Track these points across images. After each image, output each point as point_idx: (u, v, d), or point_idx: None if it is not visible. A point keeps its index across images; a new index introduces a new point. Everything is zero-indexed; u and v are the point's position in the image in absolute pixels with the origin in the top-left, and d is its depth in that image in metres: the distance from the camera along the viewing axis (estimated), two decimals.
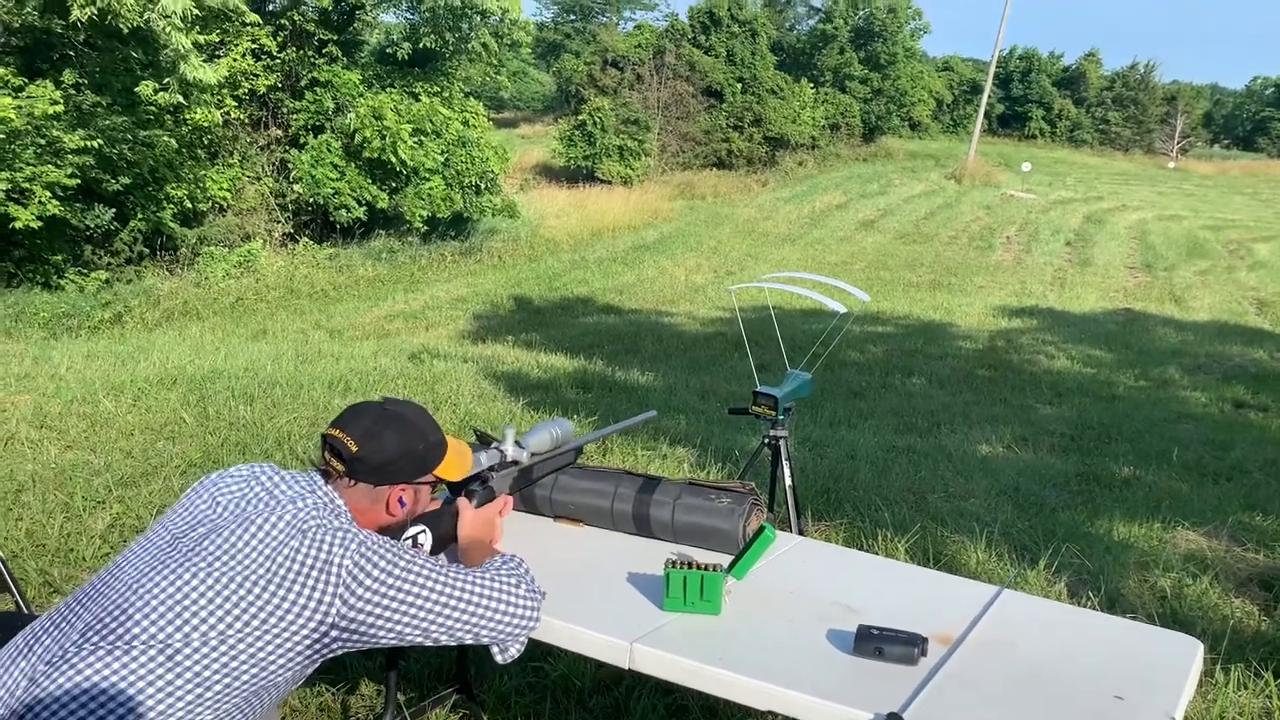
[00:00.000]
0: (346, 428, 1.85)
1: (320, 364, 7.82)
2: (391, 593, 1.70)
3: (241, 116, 19.65)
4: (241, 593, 1.62)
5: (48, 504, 4.12)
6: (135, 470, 4.59)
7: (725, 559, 2.04)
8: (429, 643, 1.77)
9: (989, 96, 42.79)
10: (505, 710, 2.75)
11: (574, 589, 1.99)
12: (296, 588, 1.64)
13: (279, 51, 19.92)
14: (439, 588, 1.75)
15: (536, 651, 1.92)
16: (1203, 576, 4.06)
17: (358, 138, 19.67)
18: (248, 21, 17.28)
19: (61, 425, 5.31)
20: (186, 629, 1.59)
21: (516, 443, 2.28)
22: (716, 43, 36.94)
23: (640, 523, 2.29)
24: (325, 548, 1.68)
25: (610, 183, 31.11)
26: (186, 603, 1.61)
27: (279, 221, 20.39)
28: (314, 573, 1.65)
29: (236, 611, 1.61)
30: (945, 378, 10.19)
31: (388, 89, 20.90)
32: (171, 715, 1.55)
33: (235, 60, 18.37)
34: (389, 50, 21.41)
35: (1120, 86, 53.11)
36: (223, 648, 1.59)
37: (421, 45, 20.93)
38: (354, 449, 1.82)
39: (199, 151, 18.11)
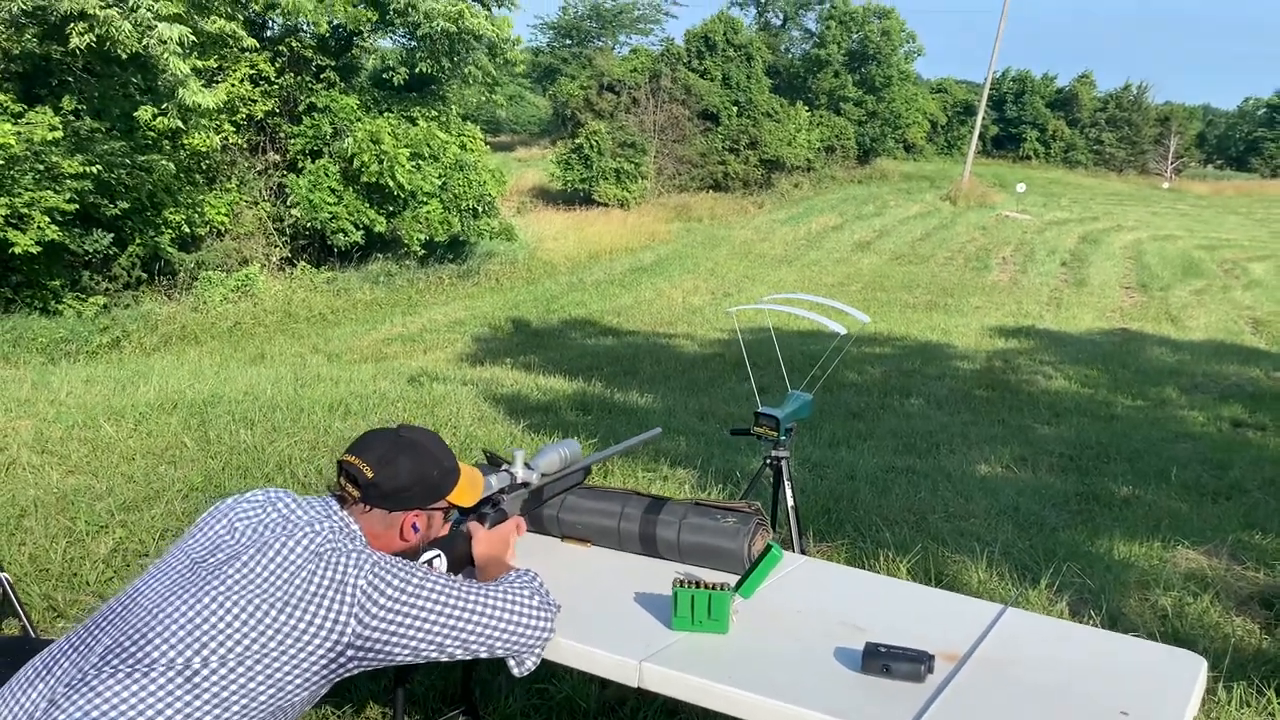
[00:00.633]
0: (362, 454, 1.87)
1: (319, 388, 7.83)
2: (405, 609, 1.72)
3: (239, 141, 19.74)
4: (260, 615, 1.65)
5: (50, 529, 4.13)
6: (137, 495, 4.59)
7: (731, 578, 2.05)
8: (445, 658, 1.79)
9: (983, 118, 43.06)
10: None
11: (582, 608, 2.00)
12: (313, 609, 1.66)
13: (277, 77, 20.03)
14: (452, 602, 1.78)
15: (543, 672, 1.93)
16: (1203, 595, 4.08)
17: (355, 162, 19.75)
18: (245, 47, 17.39)
19: (63, 450, 5.31)
20: (205, 652, 1.61)
21: (526, 465, 2.30)
22: (712, 66, 37.19)
23: (647, 543, 2.31)
24: (340, 570, 1.70)
25: (607, 205, 31.23)
26: (206, 626, 1.63)
27: (276, 246, 20.44)
28: (330, 594, 1.68)
29: (255, 634, 1.63)
30: (943, 398, 10.20)
31: (385, 113, 21.00)
32: None
33: (233, 85, 18.48)
34: (386, 75, 21.53)
35: (1114, 107, 53.46)
36: (241, 669, 1.61)
37: (418, 70, 21.05)
38: (370, 475, 1.84)
39: (197, 176, 18.18)
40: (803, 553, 3.31)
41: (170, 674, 1.58)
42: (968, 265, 25.44)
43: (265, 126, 20.53)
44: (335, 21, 20.02)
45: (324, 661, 1.68)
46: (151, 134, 15.81)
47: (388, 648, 1.72)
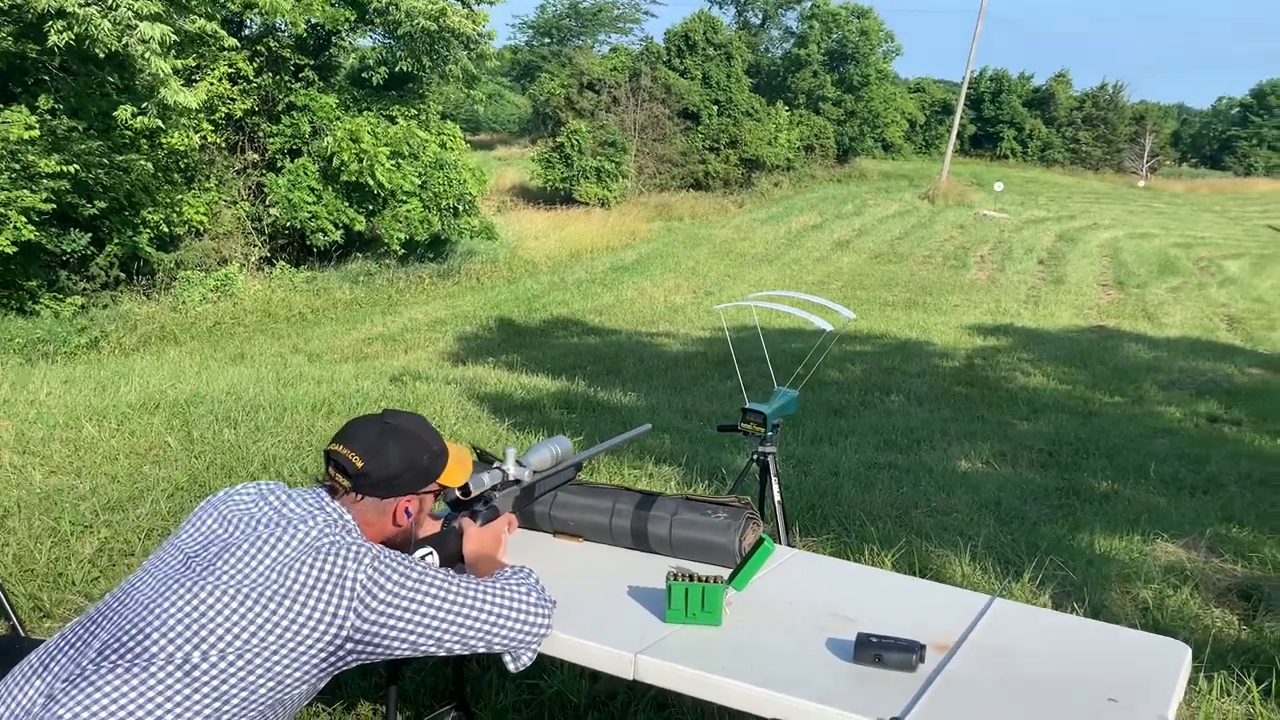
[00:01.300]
0: (350, 444, 1.87)
1: (302, 387, 7.81)
2: (404, 604, 1.73)
3: (218, 140, 19.63)
4: (257, 609, 1.65)
5: (34, 529, 4.11)
6: (122, 494, 4.57)
7: (724, 572, 2.07)
8: (442, 652, 1.81)
9: (961, 117, 43.31)
10: None
11: (576, 603, 2.02)
12: (311, 603, 1.67)
13: (255, 76, 19.93)
14: (450, 597, 1.79)
15: (533, 667, 1.94)
16: (1183, 587, 4.13)
17: (335, 161, 19.68)
18: (225, 46, 17.29)
19: (44, 450, 5.28)
20: (204, 646, 1.61)
21: (518, 462, 2.32)
22: (692, 66, 37.24)
23: (639, 538, 2.33)
24: (339, 564, 1.71)
25: (588, 204, 31.23)
26: (203, 620, 1.63)
27: (255, 245, 20.35)
28: (328, 588, 1.69)
29: (253, 629, 1.64)
30: (923, 395, 10.28)
31: (364, 112, 20.93)
32: None
33: (212, 84, 18.37)
34: (365, 74, 21.46)
35: (1090, 106, 53.84)
36: (239, 663, 1.62)
37: (398, 69, 20.99)
38: (359, 465, 1.85)
39: (175, 176, 18.07)
40: (790, 547, 3.34)
41: (169, 668, 1.59)
42: (946, 264, 25.60)
43: (244, 126, 20.42)
44: (313, 21, 19.93)
45: (323, 655, 1.69)
46: (129, 133, 15.70)
47: (386, 641, 1.73)
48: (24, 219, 13.66)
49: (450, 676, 2.86)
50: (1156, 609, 3.92)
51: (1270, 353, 14.73)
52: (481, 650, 1.85)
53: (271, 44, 20.09)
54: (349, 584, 1.70)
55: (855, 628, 1.88)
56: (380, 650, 1.74)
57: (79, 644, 1.67)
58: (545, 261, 24.14)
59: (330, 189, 20.08)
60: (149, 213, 16.87)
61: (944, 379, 11.32)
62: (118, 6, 13.53)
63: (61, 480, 4.80)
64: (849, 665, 1.80)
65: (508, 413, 7.10)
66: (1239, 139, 62.87)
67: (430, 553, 2.02)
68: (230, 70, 19.13)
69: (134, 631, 1.63)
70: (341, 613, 1.68)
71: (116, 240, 16.59)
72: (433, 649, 1.79)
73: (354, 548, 1.74)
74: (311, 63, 20.82)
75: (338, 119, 20.24)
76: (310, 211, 19.86)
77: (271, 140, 20.45)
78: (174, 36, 14.39)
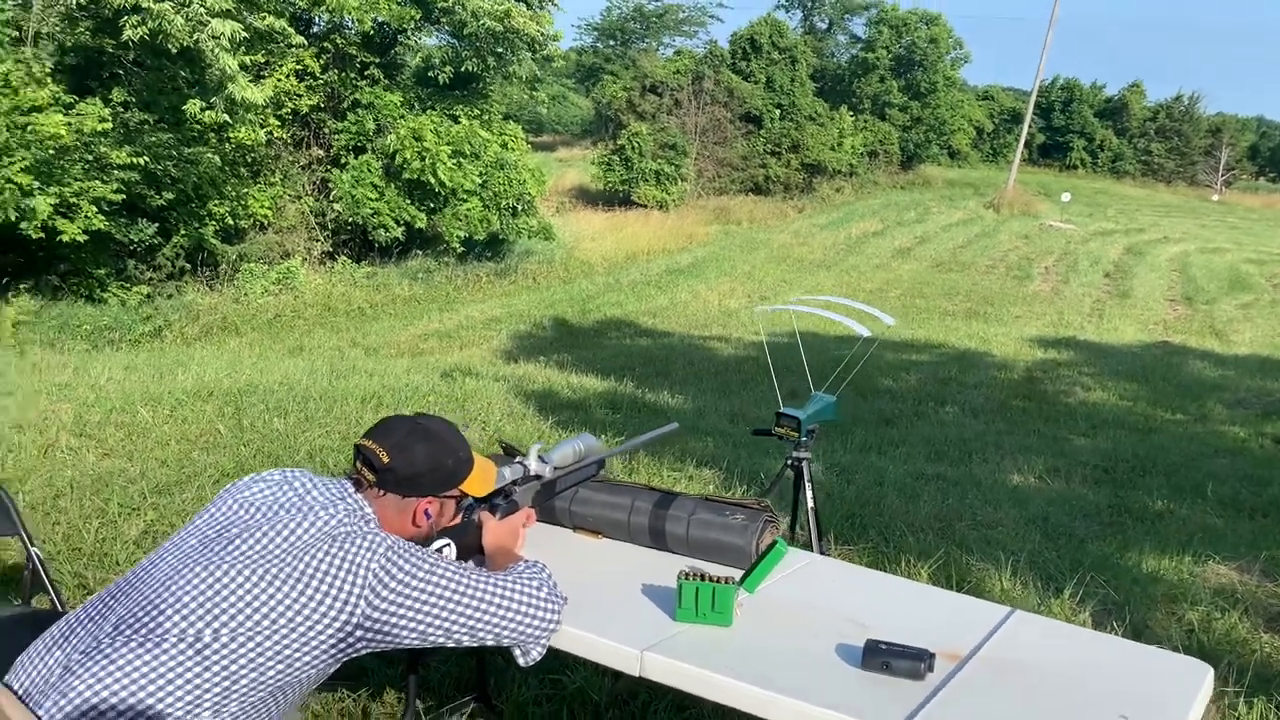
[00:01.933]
0: (379, 439, 1.91)
1: (354, 380, 7.92)
2: (415, 594, 1.75)
3: (284, 136, 19.98)
4: (271, 591, 1.68)
5: (85, 509, 4.22)
6: (170, 479, 4.67)
7: (738, 573, 2.06)
8: (451, 643, 1.82)
9: (1029, 126, 42.62)
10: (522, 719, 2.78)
11: (589, 598, 2.02)
12: (324, 588, 1.69)
13: (322, 73, 20.27)
14: (461, 589, 1.80)
15: (554, 663, 1.95)
16: (1232, 611, 4.02)
17: (398, 158, 19.93)
18: (292, 43, 17.61)
19: (100, 434, 5.42)
20: (216, 625, 1.64)
21: (540, 457, 2.33)
22: (756, 69, 37.09)
23: (656, 536, 2.32)
24: (353, 551, 1.73)
25: (646, 207, 31.26)
26: (217, 599, 1.66)
27: (318, 240, 20.68)
28: (341, 574, 1.71)
29: (265, 610, 1.67)
30: (979, 407, 10.12)
31: (428, 111, 21.17)
32: (199, 706, 1.61)
33: (279, 81, 18.72)
34: (430, 73, 21.71)
35: (1164, 117, 52.65)
36: (250, 644, 1.65)
37: (463, 69, 21.20)
38: (385, 460, 1.87)
39: (241, 169, 18.43)
40: (822, 554, 3.31)
41: (181, 645, 1.62)
42: (1009, 274, 25.19)
43: (309, 122, 20.78)
44: (379, 19, 20.22)
45: (332, 640, 1.71)
46: (198, 127, 16.07)
47: (395, 630, 1.75)
48: (95, 208, 14.03)
49: (473, 668, 2.88)
50: (1202, 631, 3.81)
51: None
52: (490, 643, 1.86)
53: (338, 41, 20.41)
54: (362, 571, 1.72)
55: (867, 634, 1.85)
56: (389, 639, 1.76)
57: (97, 617, 1.71)
58: (601, 263, 24.21)
59: (393, 186, 20.35)
60: (215, 205, 17.24)
61: (1001, 391, 11.13)
62: (190, 3, 13.86)
63: (114, 463, 4.92)
64: (856, 671, 1.77)
65: (553, 411, 7.13)
66: None
67: (448, 544, 2.04)
68: (297, 67, 19.47)
69: (149, 608, 1.67)
70: (353, 600, 1.70)
71: (183, 231, 16.98)
72: (441, 639, 1.80)
73: (369, 536, 1.77)
74: (377, 61, 21.12)
75: (401, 117, 20.50)
76: (372, 208, 20.14)
77: (336, 137, 20.77)
78: (243, 33, 14.71)
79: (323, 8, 18.65)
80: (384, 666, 2.96)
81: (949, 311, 20.11)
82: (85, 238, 14.06)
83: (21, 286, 14.66)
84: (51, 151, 13.27)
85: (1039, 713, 1.65)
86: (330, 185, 20.54)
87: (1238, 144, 55.14)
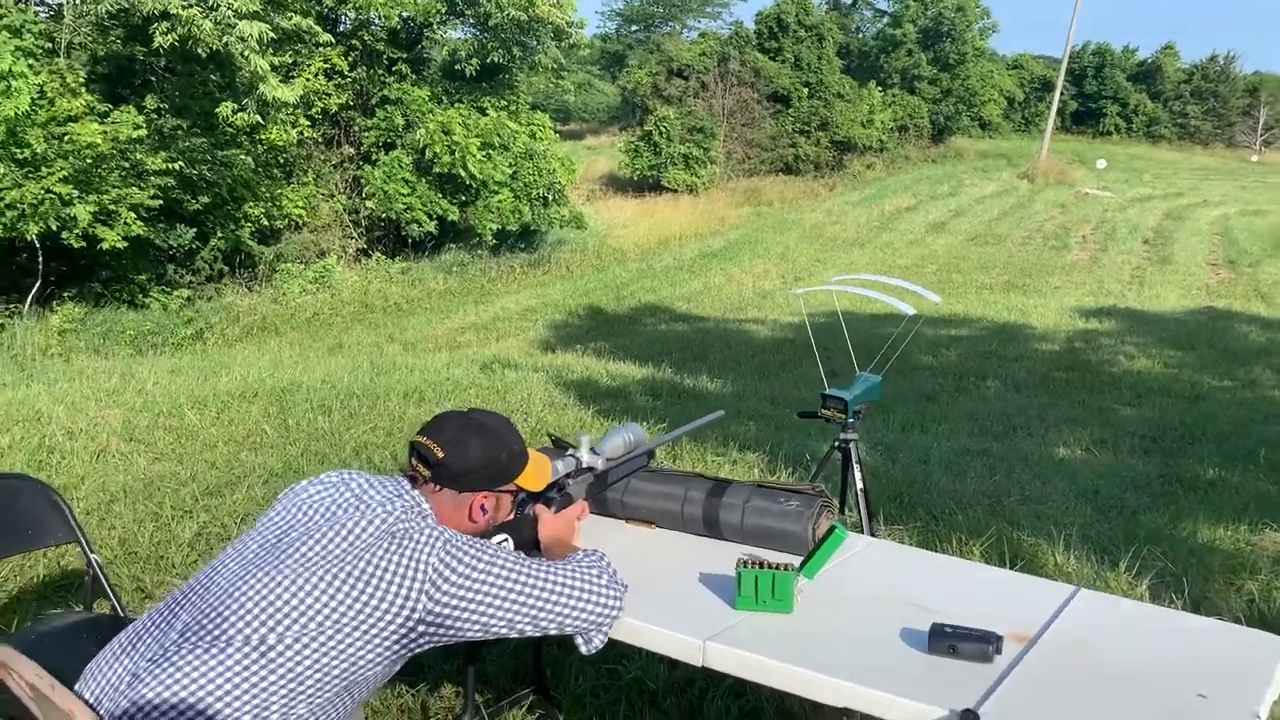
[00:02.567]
0: (434, 435, 1.91)
1: (395, 375, 7.98)
2: (476, 586, 1.75)
3: (315, 135, 20.12)
4: (332, 591, 1.69)
5: (138, 513, 4.27)
6: (220, 480, 4.73)
7: (796, 559, 2.04)
8: (514, 634, 1.82)
9: (1061, 93, 41.97)
10: (580, 711, 2.79)
11: (646, 589, 2.01)
12: (385, 585, 1.70)
13: (350, 71, 20.37)
14: (523, 580, 1.80)
15: (611, 653, 1.95)
16: None
17: (428, 153, 20.01)
18: (320, 42, 17.71)
19: (149, 438, 5.49)
20: (279, 629, 1.65)
21: (592, 449, 2.32)
22: (784, 47, 36.80)
23: (710, 525, 2.31)
24: (413, 547, 1.74)
25: (676, 191, 31.16)
26: (279, 603, 1.67)
27: (352, 237, 20.83)
28: (401, 570, 1.71)
29: (327, 610, 1.67)
30: (1021, 380, 10.01)
31: (456, 104, 21.23)
32: (267, 710, 1.62)
33: (308, 80, 18.84)
34: (457, 66, 21.75)
35: (1199, 79, 51.63)
36: (314, 645, 1.66)
37: (489, 60, 21.22)
38: (440, 455, 1.88)
39: (275, 170, 18.59)
40: (872, 535, 3.28)
41: (246, 649, 1.63)
42: (1046, 244, 24.87)
43: (340, 120, 20.90)
44: (405, 14, 20.27)
45: (395, 637, 1.71)
46: (231, 129, 16.21)
47: (459, 624, 1.75)
48: (133, 215, 14.20)
49: (530, 660, 2.89)
50: (1263, 601, 3.75)
51: None
52: (553, 632, 1.86)
53: (365, 38, 20.50)
54: (422, 566, 1.72)
55: (931, 618, 1.83)
56: (452, 632, 1.76)
57: (164, 625, 1.72)
58: (634, 249, 24.19)
59: (424, 181, 20.44)
60: (250, 207, 17.40)
61: (1043, 363, 11.01)
62: (218, 6, 13.96)
63: (164, 467, 4.98)
64: (923, 656, 1.75)
65: (593, 399, 7.14)
66: None
67: (505, 539, 2.04)
68: (326, 66, 19.58)
69: (213, 614, 1.68)
70: (414, 595, 1.71)
71: (220, 234, 17.16)
72: (504, 630, 1.80)
73: (428, 531, 1.77)
74: (404, 56, 21.19)
75: (430, 112, 20.56)
76: (405, 203, 20.25)
77: (366, 134, 20.88)
78: (271, 34, 14.80)
79: (349, 5, 18.74)
80: (441, 661, 2.97)
81: (986, 285, 19.90)
82: (125, 244, 14.24)
83: (65, 295, 14.88)
84: (89, 160, 13.44)
85: (1113, 694, 1.62)
86: (362, 182, 20.66)
87: (1276, 103, 53.93)
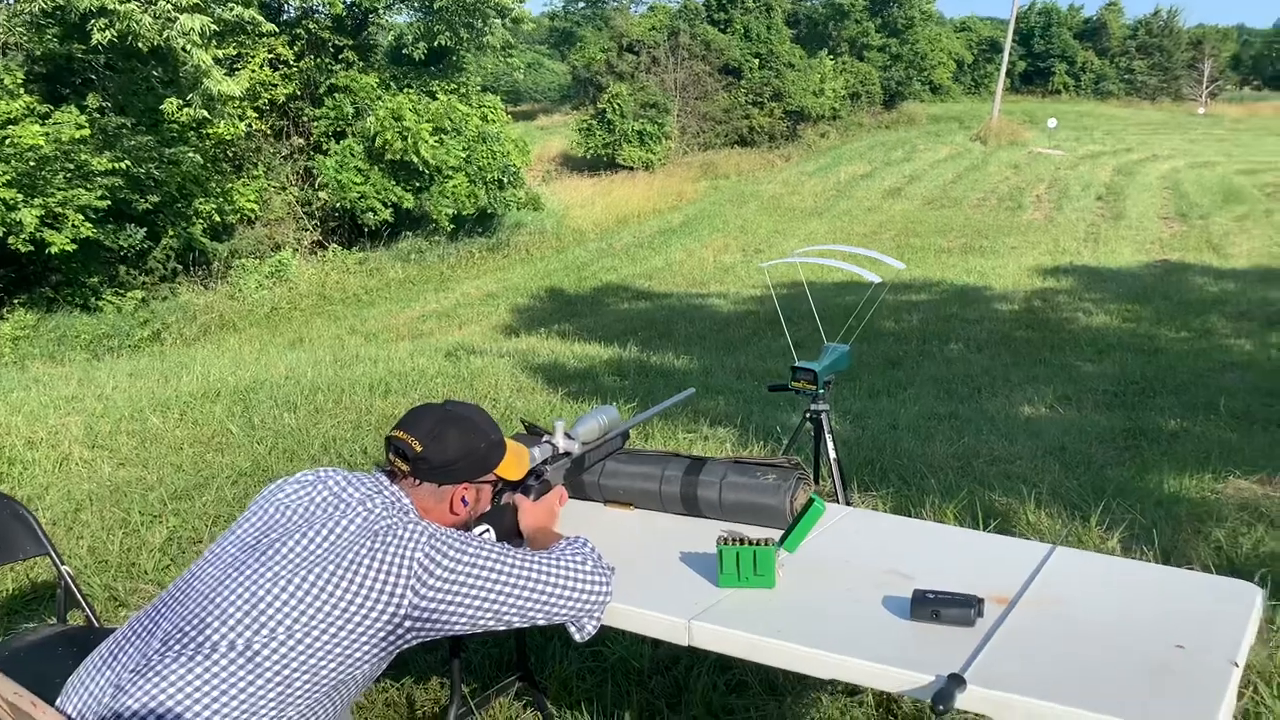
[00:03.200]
0: (411, 429, 1.89)
1: (359, 368, 7.90)
2: (461, 579, 1.74)
3: (263, 127, 19.83)
4: (315, 591, 1.67)
5: (106, 521, 4.21)
6: (187, 483, 4.67)
7: (775, 534, 2.05)
8: (503, 627, 1.82)
9: (1010, 54, 42.22)
10: (567, 694, 2.79)
11: (629, 571, 2.01)
12: (369, 582, 1.69)
13: (296, 60, 20.06)
14: (509, 571, 1.79)
15: (596, 635, 1.94)
16: (1258, 524, 4.03)
17: (379, 140, 19.78)
18: (264, 32, 17.42)
19: (112, 444, 5.41)
20: (264, 632, 1.63)
21: (566, 434, 2.32)
22: (734, 19, 36.69)
23: (689, 503, 2.31)
24: (394, 544, 1.72)
25: (632, 168, 31.07)
26: (262, 605, 1.65)
27: (307, 229, 20.59)
28: (385, 567, 1.70)
29: (312, 611, 1.66)
30: (983, 341, 10.11)
31: (405, 89, 20.99)
32: (257, 715, 1.60)
33: (254, 72, 18.54)
34: (404, 51, 21.49)
35: (1144, 34, 52.24)
36: (301, 646, 1.64)
37: (436, 43, 20.99)
38: (418, 449, 1.86)
39: (224, 165, 18.32)
40: (848, 504, 3.31)
41: (231, 654, 1.61)
42: (1001, 206, 25.08)
43: (288, 111, 20.61)
44: (350, 1, 19.99)
45: (382, 634, 1.70)
46: (177, 126, 15.94)
47: (445, 618, 1.74)
48: (81, 217, 13.95)
49: (513, 647, 2.89)
50: (1230, 548, 3.82)
51: None
52: (542, 623, 1.86)
53: (310, 26, 20.20)
54: (406, 562, 1.71)
55: (912, 584, 1.85)
56: (440, 627, 1.75)
57: (144, 634, 1.70)
58: (593, 229, 24.10)
59: (376, 169, 20.22)
60: (201, 203, 17.15)
61: (1004, 324, 11.12)
62: (157, 1, 13.68)
63: (130, 472, 4.92)
64: (906, 623, 1.77)
65: (561, 382, 7.12)
66: None
67: (487, 529, 2.03)
68: (271, 56, 19.28)
69: (195, 620, 1.66)
70: (400, 591, 1.69)
71: (171, 233, 16.90)
72: (492, 624, 1.79)
73: (410, 527, 1.76)
74: (351, 43, 20.91)
75: (379, 98, 20.33)
76: (359, 191, 20.03)
77: (316, 124, 20.61)
78: (214, 26, 14.55)
79: None
80: (425, 653, 2.96)
81: (944, 248, 20.05)
82: (74, 247, 14.00)
83: (16, 301, 14.61)
84: (32, 163, 13.16)
85: (1095, 650, 1.65)
86: (314, 173, 20.41)
87: (1220, 55, 54.67)
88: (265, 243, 19.57)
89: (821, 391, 3.28)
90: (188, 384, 7.22)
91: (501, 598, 1.78)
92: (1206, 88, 51.00)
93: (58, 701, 1.68)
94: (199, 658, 1.61)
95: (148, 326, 15.26)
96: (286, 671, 1.62)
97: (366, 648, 1.70)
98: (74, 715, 1.64)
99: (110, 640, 1.75)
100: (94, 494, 4.54)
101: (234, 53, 17.77)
